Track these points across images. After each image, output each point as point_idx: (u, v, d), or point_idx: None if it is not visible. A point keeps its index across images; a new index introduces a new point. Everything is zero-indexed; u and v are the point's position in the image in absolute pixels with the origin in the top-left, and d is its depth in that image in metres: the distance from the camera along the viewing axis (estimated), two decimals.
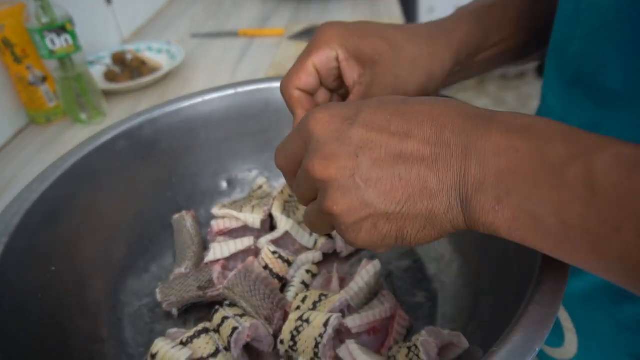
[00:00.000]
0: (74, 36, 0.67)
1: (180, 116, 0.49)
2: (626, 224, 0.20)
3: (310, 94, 0.35)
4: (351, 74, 0.34)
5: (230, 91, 0.51)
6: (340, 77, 0.35)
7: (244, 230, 0.48)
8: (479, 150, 0.23)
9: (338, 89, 0.37)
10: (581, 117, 0.35)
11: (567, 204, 0.21)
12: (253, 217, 0.46)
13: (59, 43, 0.66)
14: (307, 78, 0.34)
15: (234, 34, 1.02)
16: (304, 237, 0.47)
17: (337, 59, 0.34)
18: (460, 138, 0.23)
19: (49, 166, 0.39)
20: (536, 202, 0.21)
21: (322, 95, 0.36)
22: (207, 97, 0.50)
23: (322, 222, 0.27)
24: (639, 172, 0.20)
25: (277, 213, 0.47)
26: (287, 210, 0.48)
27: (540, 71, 2.47)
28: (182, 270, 0.44)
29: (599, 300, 0.38)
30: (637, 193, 0.19)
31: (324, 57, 0.33)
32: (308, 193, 0.27)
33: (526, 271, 0.29)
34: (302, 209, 0.48)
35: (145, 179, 0.48)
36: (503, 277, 0.34)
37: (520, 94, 2.41)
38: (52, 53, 0.66)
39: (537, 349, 0.24)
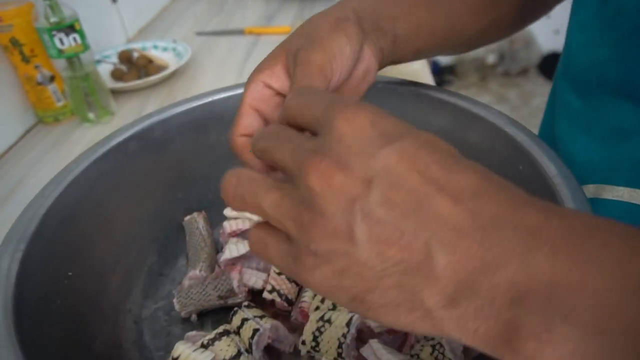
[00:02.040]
0: (82, 35, 0.67)
1: (190, 117, 0.49)
2: None
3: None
4: (284, 80, 0.32)
5: (240, 90, 0.50)
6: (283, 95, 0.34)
7: None
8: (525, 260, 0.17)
9: None
10: (611, 122, 0.35)
11: None
12: None
13: (68, 42, 0.65)
14: (247, 121, 0.32)
15: (239, 32, 1.01)
16: None
17: (264, 85, 0.33)
18: (508, 232, 0.18)
19: (61, 170, 0.38)
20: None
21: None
22: (217, 97, 0.50)
23: (276, 239, 0.22)
24: None
25: None
26: None
27: (542, 69, 2.46)
28: (197, 272, 0.43)
29: None
30: None
31: (253, 93, 0.32)
32: (280, 161, 0.22)
33: None
34: None
35: (156, 181, 0.48)
36: None
37: (522, 91, 2.41)
38: (60, 52, 0.66)
39: None
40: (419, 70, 0.79)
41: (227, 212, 0.48)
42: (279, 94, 0.33)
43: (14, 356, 0.23)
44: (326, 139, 0.20)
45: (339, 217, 0.19)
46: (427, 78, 0.77)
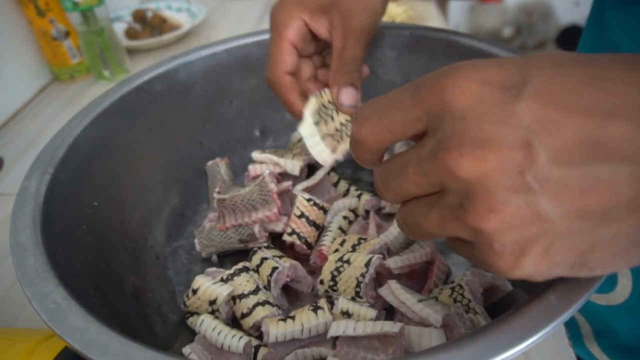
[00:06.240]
0: None
1: (215, 60, 0.49)
2: None
3: (295, 74, 0.35)
4: (323, 26, 0.34)
5: (266, 36, 0.50)
6: (315, 39, 0.35)
7: (281, 177, 0.47)
8: None
9: (317, 52, 0.37)
10: None
11: None
12: (292, 164, 0.45)
13: None
14: (290, 58, 0.34)
15: None
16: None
17: (305, 24, 0.34)
18: None
19: (88, 104, 0.39)
20: None
21: (306, 69, 0.36)
22: (243, 42, 0.49)
23: (456, 242, 0.19)
24: None
25: (308, 115, 0.37)
26: (320, 116, 0.37)
27: (560, 42, 2.41)
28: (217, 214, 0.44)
29: None
30: None
31: (294, 30, 0.34)
32: (417, 190, 0.19)
33: None
34: (338, 118, 0.36)
35: (180, 124, 0.48)
36: None
37: None
38: (76, 5, 0.65)
39: (592, 291, 0.22)
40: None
41: (256, 155, 0.48)
42: (315, 37, 0.34)
43: (40, 262, 0.24)
44: (447, 125, 0.17)
45: (513, 201, 0.16)
46: None
